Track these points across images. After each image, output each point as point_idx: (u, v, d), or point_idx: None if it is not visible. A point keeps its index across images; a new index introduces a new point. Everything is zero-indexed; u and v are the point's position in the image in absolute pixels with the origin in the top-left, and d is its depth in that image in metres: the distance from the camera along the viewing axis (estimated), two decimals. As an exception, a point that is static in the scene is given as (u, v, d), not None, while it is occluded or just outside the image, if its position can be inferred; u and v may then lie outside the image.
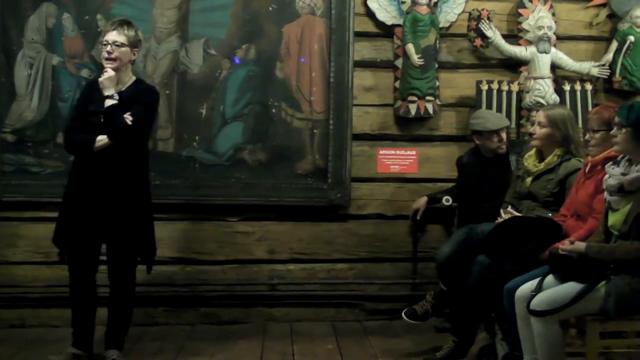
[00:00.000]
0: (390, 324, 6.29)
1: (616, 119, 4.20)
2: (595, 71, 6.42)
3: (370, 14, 6.42)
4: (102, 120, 4.97)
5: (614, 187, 4.18)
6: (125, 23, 5.12)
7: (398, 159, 6.49)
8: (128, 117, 4.94)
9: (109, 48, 5.00)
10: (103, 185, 5.00)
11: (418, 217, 6.18)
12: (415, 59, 6.24)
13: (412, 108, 6.32)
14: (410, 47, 6.25)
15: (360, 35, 6.42)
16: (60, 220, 5.19)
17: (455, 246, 5.37)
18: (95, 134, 4.96)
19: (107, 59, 5.02)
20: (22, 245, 6.28)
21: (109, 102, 4.95)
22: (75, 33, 6.24)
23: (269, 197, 6.35)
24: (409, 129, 6.50)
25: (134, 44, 5.11)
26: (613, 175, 4.21)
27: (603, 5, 6.55)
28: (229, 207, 6.31)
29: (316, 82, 6.37)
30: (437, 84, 6.40)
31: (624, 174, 4.15)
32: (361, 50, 6.45)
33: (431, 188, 6.36)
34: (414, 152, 6.49)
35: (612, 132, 4.26)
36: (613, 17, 6.55)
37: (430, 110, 6.35)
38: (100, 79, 5.02)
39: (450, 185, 6.17)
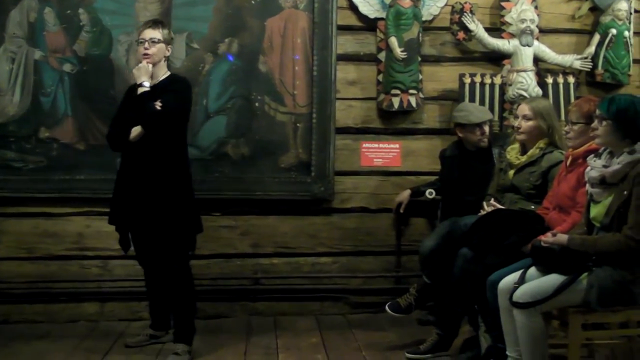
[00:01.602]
0: (374, 317, 6.29)
1: (597, 112, 4.21)
2: (577, 64, 6.45)
3: (353, 8, 6.42)
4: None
5: (595, 179, 4.19)
6: (159, 22, 5.35)
7: (381, 152, 6.49)
8: (157, 104, 5.03)
9: (145, 45, 5.17)
10: (139, 178, 5.13)
11: (401, 210, 6.19)
12: (398, 52, 6.24)
13: (395, 101, 6.33)
14: (393, 41, 6.25)
15: (343, 28, 6.41)
16: (111, 217, 5.40)
17: (439, 239, 5.36)
18: (132, 126, 5.13)
19: (144, 55, 5.17)
20: (5, 240, 6.24)
21: (140, 90, 5.10)
22: (57, 27, 6.20)
23: (253, 191, 6.34)
24: (392, 123, 6.51)
25: (168, 40, 5.29)
26: (595, 167, 4.22)
27: (585, -2, 6.59)
28: (213, 201, 6.30)
29: (299, 76, 6.37)
30: (420, 77, 6.40)
31: (605, 166, 4.17)
32: (344, 43, 6.44)
33: (414, 181, 6.37)
34: (397, 146, 6.50)
35: (593, 124, 4.27)
36: (595, 10, 6.56)
37: (414, 104, 6.36)
38: (134, 69, 5.23)
39: (433, 178, 6.19)
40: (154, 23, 5.27)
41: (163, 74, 5.27)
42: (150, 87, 5.11)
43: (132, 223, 5.26)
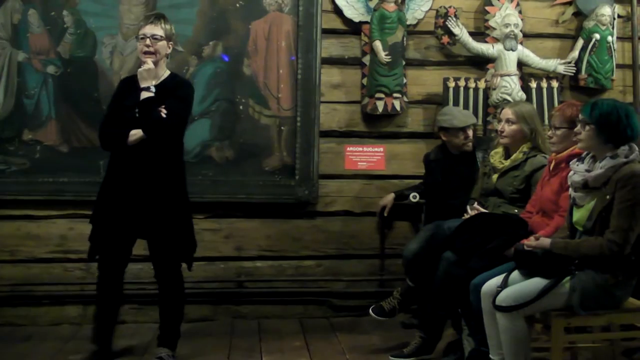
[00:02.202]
0: (358, 320, 6.29)
1: (580, 116, 4.22)
2: (561, 69, 6.47)
3: (337, 11, 6.44)
4: (137, 114, 4.92)
5: (578, 184, 4.20)
6: (162, 16, 5.10)
7: (365, 155, 6.50)
8: (163, 111, 4.89)
9: (147, 41, 4.96)
10: (139, 181, 4.95)
11: (385, 214, 6.20)
12: (383, 56, 6.25)
13: (380, 105, 6.34)
14: (378, 44, 6.26)
15: (327, 32, 6.43)
16: (96, 217, 5.14)
17: (422, 242, 5.38)
18: (130, 128, 4.90)
19: (146, 53, 4.97)
20: (-13, 243, 6.22)
21: (145, 94, 4.91)
22: (41, 29, 6.18)
23: (237, 194, 6.33)
24: (377, 126, 6.52)
25: (170, 37, 5.09)
26: (577, 171, 4.24)
27: (569, 3, 6.63)
28: (196, 204, 6.21)
29: (284, 79, 6.37)
30: (405, 81, 6.42)
31: (588, 171, 4.18)
32: (329, 47, 6.46)
33: (398, 185, 6.38)
34: (381, 149, 6.51)
35: (576, 129, 4.28)
36: (579, 15, 6.61)
37: (398, 107, 6.37)
38: (139, 70, 4.98)
39: (417, 181, 6.20)
40: (156, 18, 5.06)
41: (163, 73, 5.10)
42: (151, 86, 4.96)
43: (134, 227, 5.05)
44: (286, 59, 6.37)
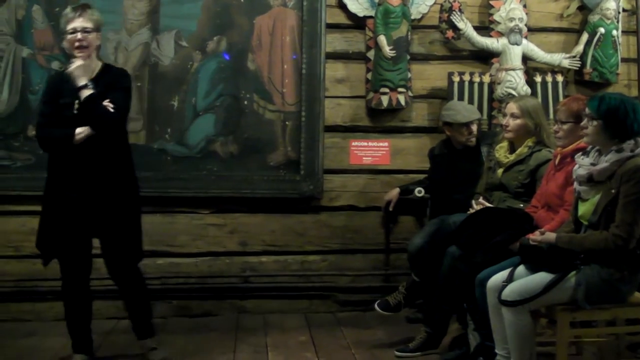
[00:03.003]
0: (363, 315, 6.29)
1: (586, 111, 4.21)
2: (566, 63, 6.46)
3: (342, 6, 6.43)
4: (76, 112, 4.74)
5: (583, 177, 4.20)
6: (88, 7, 4.86)
7: (370, 150, 6.49)
8: (109, 105, 4.70)
9: (79, 36, 4.74)
10: (89, 179, 4.78)
11: (390, 209, 6.19)
12: (387, 50, 6.24)
13: (384, 100, 6.33)
14: (382, 39, 6.25)
15: (332, 27, 6.42)
16: (45, 222, 4.97)
17: (427, 237, 5.39)
18: (70, 127, 4.73)
19: (78, 48, 4.76)
20: (-8, 239, 6.23)
21: (86, 92, 4.68)
22: (45, 25, 6.19)
23: (241, 189, 6.33)
24: (381, 121, 6.51)
25: (99, 27, 4.87)
26: (582, 165, 4.23)
27: (574, -3, 6.61)
28: (201, 199, 6.30)
29: (288, 74, 6.37)
30: (409, 75, 6.40)
31: (593, 164, 4.18)
32: (333, 42, 6.45)
33: (403, 180, 6.37)
34: (386, 144, 6.51)
35: (582, 123, 4.27)
36: (583, 9, 6.58)
37: (402, 102, 6.36)
38: (70, 69, 4.74)
39: (422, 176, 6.19)
40: (83, 9, 4.80)
41: (96, 65, 4.86)
42: (89, 80, 4.73)
43: (88, 225, 4.86)
44: (290, 54, 6.36)
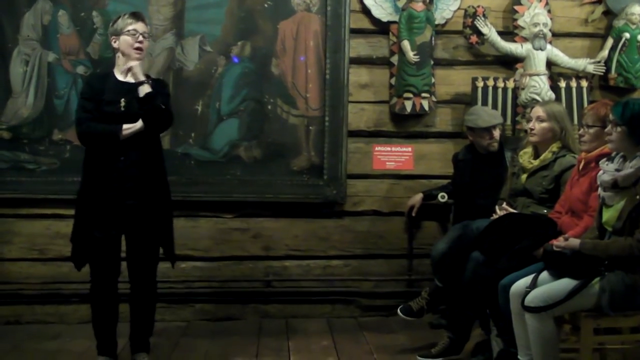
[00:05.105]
0: (386, 320, 6.30)
1: (611, 117, 4.19)
2: (590, 68, 6.42)
3: (365, 11, 6.43)
4: (123, 109, 4.79)
5: (607, 183, 4.17)
6: (144, 16, 5.03)
7: (393, 155, 6.49)
8: (161, 104, 4.83)
9: (140, 38, 4.86)
10: (130, 177, 4.82)
11: (413, 214, 6.19)
12: (411, 55, 6.24)
13: (408, 105, 6.32)
14: (406, 44, 6.25)
15: (355, 32, 6.43)
16: (79, 225, 4.95)
17: (451, 243, 5.37)
18: (114, 123, 4.78)
19: (138, 49, 4.86)
20: (17, 242, 6.28)
21: (146, 88, 4.76)
22: (71, 30, 6.23)
23: (265, 194, 6.35)
24: (405, 126, 6.51)
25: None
26: (607, 171, 4.21)
27: (598, 2, 6.56)
28: (225, 203, 6.32)
29: (312, 79, 6.38)
30: (433, 80, 6.40)
31: (617, 170, 4.15)
32: (357, 47, 6.45)
33: (427, 185, 6.37)
34: (409, 149, 6.50)
35: (606, 129, 4.25)
36: (608, 14, 6.55)
37: (426, 107, 6.35)
38: (132, 64, 4.81)
39: (445, 181, 6.19)
40: (143, 17, 4.97)
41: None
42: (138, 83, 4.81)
43: (122, 223, 4.89)
44: (314, 59, 6.37)
